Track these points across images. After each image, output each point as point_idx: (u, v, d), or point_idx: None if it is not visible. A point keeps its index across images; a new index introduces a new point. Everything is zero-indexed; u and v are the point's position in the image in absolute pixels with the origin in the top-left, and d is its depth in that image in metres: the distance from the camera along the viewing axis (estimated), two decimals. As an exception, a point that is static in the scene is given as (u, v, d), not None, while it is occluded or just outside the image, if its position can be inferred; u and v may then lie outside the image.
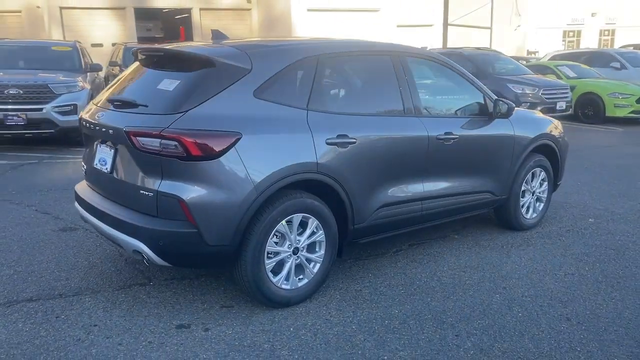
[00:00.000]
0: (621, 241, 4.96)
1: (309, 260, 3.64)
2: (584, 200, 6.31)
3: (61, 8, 27.15)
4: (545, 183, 5.36)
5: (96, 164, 3.66)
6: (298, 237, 3.54)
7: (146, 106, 3.31)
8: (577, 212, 5.84)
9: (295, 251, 3.54)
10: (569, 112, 12.44)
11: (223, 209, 3.16)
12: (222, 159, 3.14)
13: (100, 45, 26.90)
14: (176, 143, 3.06)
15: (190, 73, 3.37)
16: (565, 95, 12.17)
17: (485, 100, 4.68)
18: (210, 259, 3.31)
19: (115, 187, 3.51)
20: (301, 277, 3.63)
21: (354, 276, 4.12)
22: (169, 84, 3.35)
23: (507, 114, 4.67)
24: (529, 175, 5.15)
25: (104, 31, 27.37)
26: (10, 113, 8.41)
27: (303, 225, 3.57)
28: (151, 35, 31.77)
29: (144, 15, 30.77)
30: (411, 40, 27.76)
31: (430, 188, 4.29)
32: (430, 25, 33.54)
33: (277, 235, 3.46)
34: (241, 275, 3.38)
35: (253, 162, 3.23)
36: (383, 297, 3.78)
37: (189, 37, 30.01)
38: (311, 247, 3.66)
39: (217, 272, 4.04)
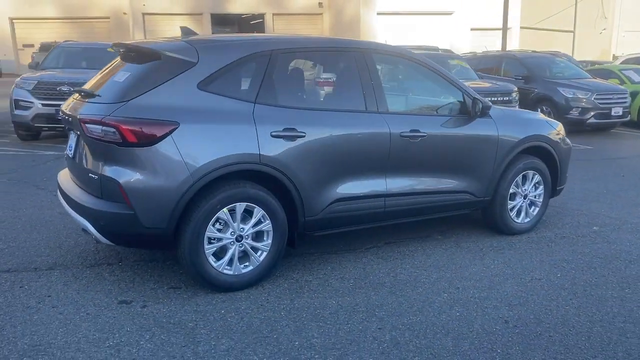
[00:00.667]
0: (614, 250, 4.69)
1: (255, 249, 3.77)
2: (600, 208, 5.98)
3: (144, 14, 28.85)
4: (541, 187, 5.15)
5: (66, 151, 4.00)
6: (242, 225, 3.68)
7: (100, 96, 3.58)
8: (586, 220, 5.56)
9: (239, 239, 3.68)
10: (627, 119, 11.68)
11: (158, 194, 3.37)
12: (157, 146, 3.35)
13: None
14: (114, 130, 3.30)
15: (140, 66, 3.61)
16: (623, 100, 11.44)
17: (465, 99, 4.60)
18: (148, 240, 3.53)
19: (76, 171, 3.82)
20: (247, 264, 3.76)
21: (312, 268, 4.19)
22: (122, 75, 3.61)
23: (482, 113, 4.55)
24: (519, 178, 4.98)
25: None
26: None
27: (249, 214, 3.70)
28: (227, 40, 33.07)
29: (222, 20, 32.07)
30: (485, 43, 27.06)
31: (395, 185, 4.28)
32: (509, 29, 32.50)
33: (220, 222, 3.61)
34: (181, 258, 3.57)
35: (190, 151, 3.41)
36: (329, 289, 3.83)
37: (262, 41, 30.95)
38: (259, 236, 3.78)
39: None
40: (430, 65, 4.55)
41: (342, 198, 4.04)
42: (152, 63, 3.58)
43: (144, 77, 3.51)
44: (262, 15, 31.12)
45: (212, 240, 3.60)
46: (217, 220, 3.58)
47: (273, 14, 31.03)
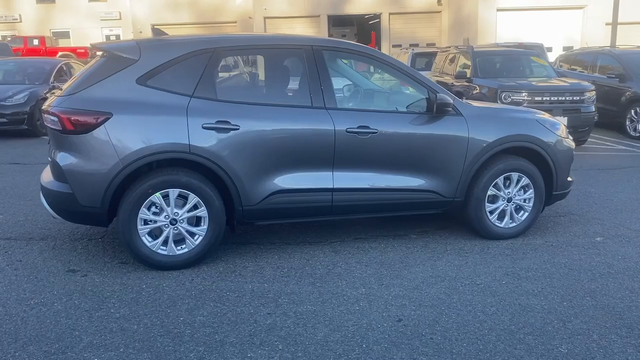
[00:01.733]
0: (594, 263, 4.28)
1: (191, 233, 4.06)
2: (624, 219, 5.40)
3: (265, 18, 30.39)
4: (531, 190, 4.82)
5: (50, 138, 4.61)
6: (176, 210, 4.00)
7: (61, 90, 4.10)
8: (597, 229, 5.08)
9: (173, 222, 4.00)
10: None
11: (92, 177, 3.80)
12: (92, 134, 3.78)
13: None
14: (57, 119, 3.79)
15: (96, 62, 4.08)
16: None
17: (429, 97, 4.48)
18: (87, 217, 3.98)
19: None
20: (183, 246, 4.07)
21: (260, 256, 4.38)
22: (82, 71, 4.10)
23: (439, 111, 4.39)
24: (500, 180, 4.71)
25: (299, 37, 29.62)
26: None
27: (186, 199, 4.00)
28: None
29: (341, 21, 32.73)
30: (626, 38, 24.68)
31: (344, 180, 4.31)
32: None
33: (155, 206, 3.96)
34: (119, 236, 3.98)
35: (121, 139, 3.80)
36: (257, 275, 4.01)
37: (378, 42, 31.10)
38: (196, 221, 4.07)
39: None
40: (390, 62, 4.50)
41: (283, 190, 4.18)
42: (103, 60, 4.03)
43: (93, 72, 3.97)
44: (379, 15, 31.23)
45: (148, 222, 3.96)
46: (152, 203, 3.94)
47: (390, 14, 30.98)
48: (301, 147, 4.18)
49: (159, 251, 4.02)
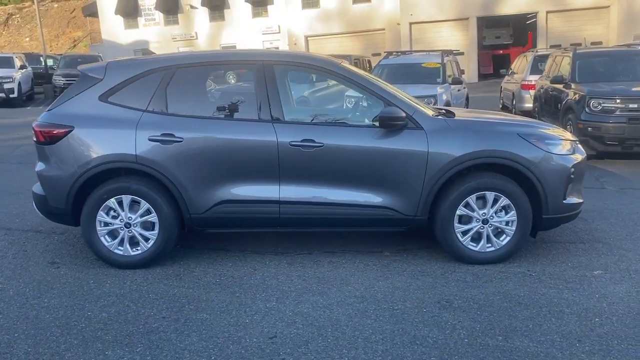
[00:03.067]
0: (555, 300, 3.73)
1: (145, 237, 4.41)
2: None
3: (411, 23, 30.21)
4: (513, 212, 4.31)
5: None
6: (130, 215, 4.38)
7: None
8: (600, 262, 4.38)
9: (127, 225, 4.39)
10: None
11: (56, 182, 4.36)
12: (58, 144, 4.33)
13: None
14: (34, 131, 4.41)
15: (75, 82, 4.64)
16: None
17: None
18: (58, 217, 4.54)
19: None
20: (137, 248, 4.44)
21: (214, 262, 4.56)
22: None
23: (382, 125, 4.16)
24: (472, 199, 4.31)
25: (446, 41, 28.94)
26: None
27: (139, 205, 4.37)
28: (499, 42, 31.95)
29: (494, 23, 31.23)
30: None
31: (291, 193, 4.32)
32: None
33: (114, 210, 4.39)
34: (82, 234, 4.49)
35: (80, 149, 4.30)
36: (193, 280, 4.22)
37: (534, 42, 29.01)
38: (150, 226, 4.41)
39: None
40: (347, 75, 4.38)
41: (229, 200, 4.34)
42: (77, 79, 4.57)
43: (69, 91, 4.54)
44: (535, 14, 29.08)
45: (106, 224, 4.40)
46: (110, 208, 4.37)
47: (547, 12, 28.65)
48: (246, 160, 4.30)
49: (116, 251, 4.43)
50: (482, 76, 30.39)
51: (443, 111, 4.79)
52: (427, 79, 10.92)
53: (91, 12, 43.36)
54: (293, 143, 4.24)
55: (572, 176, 4.38)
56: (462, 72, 14.28)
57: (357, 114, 4.51)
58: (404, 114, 4.22)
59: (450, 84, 11.10)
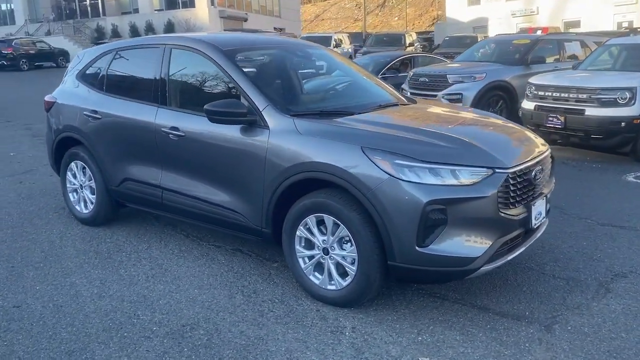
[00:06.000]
0: None
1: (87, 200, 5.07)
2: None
3: None
4: (352, 247, 3.28)
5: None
6: (82, 178, 5.07)
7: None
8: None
9: (78, 186, 5.11)
10: None
11: (48, 136, 5.35)
12: (49, 113, 5.29)
13: None
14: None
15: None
16: None
17: (247, 102, 3.75)
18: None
19: None
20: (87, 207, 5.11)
21: (162, 249, 4.53)
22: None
23: (212, 120, 3.64)
24: (311, 220, 3.45)
25: None
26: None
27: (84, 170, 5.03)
28: None
29: None
30: None
31: (168, 181, 4.27)
32: None
33: (70, 170, 5.14)
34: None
35: (56, 118, 5.18)
36: (131, 260, 4.38)
37: None
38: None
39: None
40: (218, 62, 3.96)
41: (130, 178, 4.57)
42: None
43: (68, 69, 5.42)
44: None
45: (71, 183, 5.19)
46: (71, 171, 5.16)
47: None
48: (136, 141, 4.44)
49: (77, 207, 5.20)
50: None
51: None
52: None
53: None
54: (164, 129, 4.17)
55: (434, 216, 3.02)
56: None
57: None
58: (242, 110, 3.62)
59: None
